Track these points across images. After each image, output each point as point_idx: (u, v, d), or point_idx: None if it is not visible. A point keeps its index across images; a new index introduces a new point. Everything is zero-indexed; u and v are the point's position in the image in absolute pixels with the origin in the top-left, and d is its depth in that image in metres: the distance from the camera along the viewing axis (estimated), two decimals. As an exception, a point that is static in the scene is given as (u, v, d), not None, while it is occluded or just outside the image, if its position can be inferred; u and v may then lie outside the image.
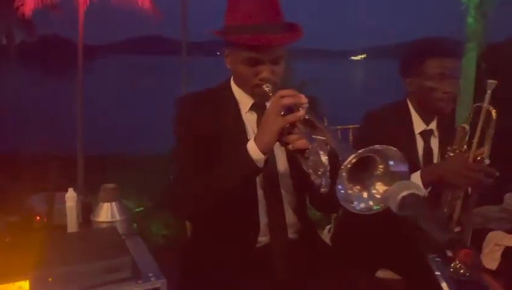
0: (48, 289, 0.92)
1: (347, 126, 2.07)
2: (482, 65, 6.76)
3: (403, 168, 0.83)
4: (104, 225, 1.23)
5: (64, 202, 1.26)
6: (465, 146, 1.49)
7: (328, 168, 1.00)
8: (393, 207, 0.74)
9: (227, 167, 1.18)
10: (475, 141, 1.43)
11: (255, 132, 1.30)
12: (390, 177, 0.83)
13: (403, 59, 1.71)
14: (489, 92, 1.40)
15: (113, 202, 1.26)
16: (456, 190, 1.48)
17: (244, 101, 1.34)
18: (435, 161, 1.67)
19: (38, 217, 1.26)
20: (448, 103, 1.60)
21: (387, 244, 1.57)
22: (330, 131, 1.01)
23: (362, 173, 0.84)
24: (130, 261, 1.00)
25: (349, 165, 0.81)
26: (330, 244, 1.79)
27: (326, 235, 2.02)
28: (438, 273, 0.67)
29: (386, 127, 1.58)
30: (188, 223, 1.56)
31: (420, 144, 1.64)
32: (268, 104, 1.34)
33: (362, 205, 0.84)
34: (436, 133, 1.67)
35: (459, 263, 1.38)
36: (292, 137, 1.09)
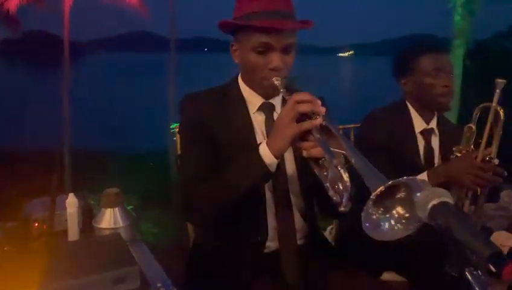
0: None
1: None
2: (467, 62, 6.87)
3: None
4: (107, 232, 1.18)
5: (63, 208, 1.21)
6: (472, 146, 1.48)
7: (349, 188, 0.94)
8: (423, 217, 0.71)
9: (238, 171, 1.13)
10: (483, 140, 1.42)
11: (264, 132, 1.27)
12: (411, 203, 0.77)
13: (395, 61, 1.71)
14: (498, 91, 1.39)
15: (116, 208, 1.21)
16: (465, 191, 1.47)
17: (253, 100, 1.30)
18: (436, 159, 1.66)
19: (36, 224, 1.20)
20: (448, 97, 1.60)
21: (392, 246, 1.55)
22: (348, 144, 0.95)
23: (383, 197, 0.78)
24: (137, 270, 0.96)
25: (375, 196, 0.75)
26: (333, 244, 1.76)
27: (327, 236, 2.00)
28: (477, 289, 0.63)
29: (387, 128, 1.57)
30: (190, 227, 1.52)
31: (421, 143, 1.64)
32: (277, 104, 1.31)
33: (387, 226, 0.79)
34: (436, 132, 1.66)
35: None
36: (307, 144, 1.05)
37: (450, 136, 1.65)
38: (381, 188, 0.74)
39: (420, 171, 1.52)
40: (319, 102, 1.05)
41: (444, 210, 0.69)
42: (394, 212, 0.80)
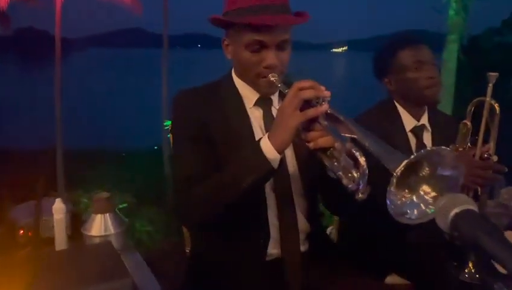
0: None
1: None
2: (461, 57, 6.86)
3: (452, 172, 0.73)
4: (97, 240, 1.10)
5: (51, 213, 1.13)
6: (468, 143, 1.42)
7: (367, 171, 0.88)
8: (444, 226, 0.64)
9: (238, 169, 1.06)
10: (480, 137, 1.36)
11: (262, 128, 1.21)
12: (437, 180, 0.74)
13: (374, 61, 1.65)
14: (490, 85, 1.33)
15: (107, 214, 1.13)
16: (465, 191, 1.41)
17: (249, 95, 1.23)
18: None
19: (22, 231, 1.13)
20: (434, 89, 1.54)
21: (396, 249, 1.50)
22: (359, 128, 0.90)
23: (407, 176, 0.75)
24: (130, 283, 0.89)
25: (399, 173, 0.71)
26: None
27: (327, 236, 1.94)
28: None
29: (376, 130, 1.49)
30: (185, 232, 1.45)
31: (413, 141, 1.57)
32: (274, 98, 1.24)
33: (416, 213, 0.74)
34: (428, 127, 1.60)
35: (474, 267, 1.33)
36: (314, 134, 0.98)
37: (443, 130, 1.60)
38: (405, 162, 0.70)
39: None
40: (323, 87, 0.98)
41: (468, 219, 0.62)
42: (421, 192, 0.76)
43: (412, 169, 0.75)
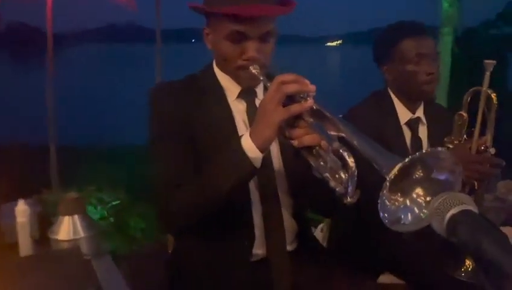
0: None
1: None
2: (455, 50, 6.82)
3: (449, 176, 0.66)
4: (65, 245, 1.02)
5: (14, 215, 1.04)
6: (464, 136, 1.35)
7: (356, 173, 0.81)
8: (440, 230, 0.57)
9: (219, 169, 1.00)
10: (477, 128, 1.29)
11: (246, 122, 1.14)
12: (431, 183, 0.67)
13: (375, 46, 1.57)
14: (487, 73, 1.26)
15: (76, 215, 1.04)
16: (462, 187, 1.34)
17: (231, 87, 1.16)
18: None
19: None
20: (432, 85, 1.47)
21: (388, 248, 1.44)
22: (347, 125, 0.83)
23: (399, 179, 0.68)
24: (96, 292, 0.81)
25: (392, 177, 0.63)
26: (325, 246, 1.65)
27: (318, 234, 1.88)
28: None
29: (369, 123, 1.43)
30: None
31: (407, 134, 1.51)
32: (259, 90, 1.17)
33: (410, 217, 0.67)
34: (423, 120, 1.54)
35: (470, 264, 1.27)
36: (298, 131, 0.92)
37: (440, 123, 1.53)
38: (399, 165, 0.64)
39: None
40: (307, 81, 0.91)
41: (467, 222, 0.55)
42: (414, 196, 0.69)
43: (405, 171, 0.67)
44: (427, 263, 1.38)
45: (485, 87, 1.28)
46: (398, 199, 0.68)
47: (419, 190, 0.69)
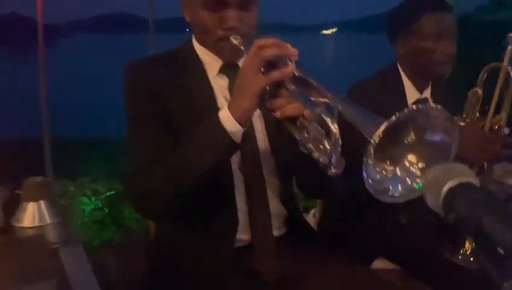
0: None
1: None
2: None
3: (444, 137, 0.59)
4: (30, 232, 0.94)
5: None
6: (477, 114, 1.27)
7: (340, 141, 0.74)
8: (435, 205, 0.49)
9: (196, 146, 0.93)
10: (492, 106, 1.22)
11: (228, 99, 1.06)
12: (425, 147, 0.61)
13: (392, 16, 1.47)
14: (509, 48, 1.18)
15: (41, 201, 0.96)
16: (468, 166, 1.27)
17: (212, 62, 1.08)
18: None
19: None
20: (448, 66, 1.38)
21: (383, 232, 1.37)
22: (332, 92, 0.75)
23: (388, 145, 0.61)
24: (59, 283, 0.73)
25: (377, 140, 0.56)
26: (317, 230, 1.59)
27: (311, 219, 1.82)
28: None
29: (375, 99, 1.34)
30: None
31: None
32: (239, 63, 1.09)
33: (401, 189, 0.61)
34: (431, 102, 1.45)
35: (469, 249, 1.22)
36: (280, 101, 0.84)
37: (447, 106, 1.45)
38: (384, 126, 0.57)
39: None
40: (288, 45, 0.84)
41: (467, 196, 0.47)
42: (406, 163, 0.63)
43: (395, 136, 0.61)
44: (423, 247, 1.32)
45: (505, 63, 1.21)
46: (387, 167, 0.61)
47: (411, 157, 0.62)
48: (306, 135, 0.81)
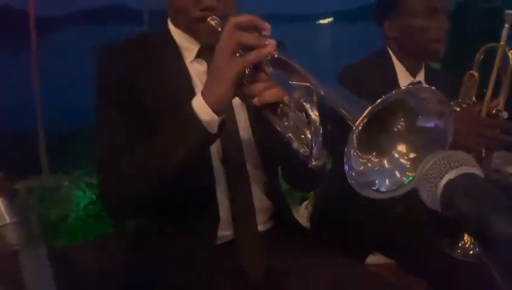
0: None
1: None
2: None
3: (438, 122, 0.51)
4: (-17, 232, 0.85)
5: None
6: (473, 98, 1.20)
7: (321, 130, 0.66)
8: (431, 202, 0.42)
9: (167, 136, 0.85)
10: (489, 89, 1.15)
11: None
12: (417, 134, 0.54)
13: None
14: (507, 26, 1.11)
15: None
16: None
17: (188, 46, 1.00)
18: None
19: None
20: (443, 44, 1.32)
21: (378, 224, 1.30)
22: (315, 75, 0.67)
23: (373, 133, 0.53)
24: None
25: (360, 127, 0.48)
26: (308, 224, 1.53)
27: (303, 212, 1.76)
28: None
29: (365, 83, 1.27)
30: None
31: None
32: None
33: (388, 182, 0.54)
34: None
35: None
36: (258, 86, 0.77)
37: (442, 90, 1.38)
38: (368, 110, 0.50)
39: None
40: (268, 24, 0.76)
41: (469, 189, 0.39)
42: (395, 154, 0.56)
43: (381, 122, 0.53)
44: (420, 241, 1.26)
45: (502, 42, 1.14)
46: (373, 158, 0.53)
47: (400, 146, 0.54)
48: (286, 123, 0.73)
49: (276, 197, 1.08)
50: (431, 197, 0.41)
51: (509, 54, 1.15)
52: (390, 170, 0.55)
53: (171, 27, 1.02)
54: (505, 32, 1.13)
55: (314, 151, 0.66)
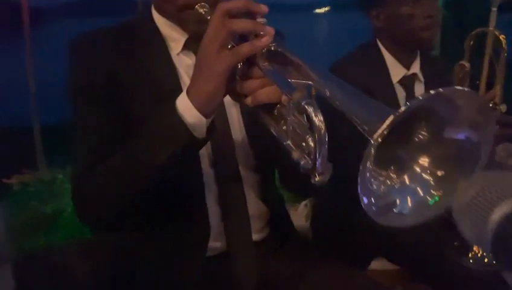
0: None
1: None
2: (445, 13, 6.62)
3: (472, 133, 0.42)
4: None
5: None
6: None
7: (326, 138, 0.55)
8: (476, 239, 0.32)
9: (148, 140, 0.77)
10: (482, 80, 1.08)
11: None
12: (441, 147, 0.45)
13: None
14: (494, 9, 1.03)
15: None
16: None
17: (174, 36, 0.91)
18: None
19: None
20: (432, 31, 1.26)
21: (381, 229, 1.21)
22: (318, 71, 0.57)
23: (391, 145, 0.45)
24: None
25: (380, 139, 0.39)
26: (307, 223, 1.48)
27: (302, 211, 1.69)
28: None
29: (355, 81, 1.18)
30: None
31: (401, 94, 1.29)
32: None
33: (410, 203, 0.46)
34: (421, 77, 1.32)
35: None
36: (251, 84, 0.67)
37: (440, 80, 1.31)
38: (390, 119, 0.40)
39: None
40: (264, 7, 0.66)
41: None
42: (416, 169, 0.47)
43: (401, 132, 0.43)
44: (427, 246, 1.18)
45: (491, 27, 1.07)
46: (391, 174, 0.44)
47: (423, 160, 0.45)
48: (284, 128, 0.63)
49: (272, 202, 0.99)
50: (477, 233, 0.31)
51: (501, 38, 1.07)
52: (412, 187, 0.45)
53: (156, 15, 0.92)
54: (493, 16, 1.05)
55: (318, 164, 0.56)
